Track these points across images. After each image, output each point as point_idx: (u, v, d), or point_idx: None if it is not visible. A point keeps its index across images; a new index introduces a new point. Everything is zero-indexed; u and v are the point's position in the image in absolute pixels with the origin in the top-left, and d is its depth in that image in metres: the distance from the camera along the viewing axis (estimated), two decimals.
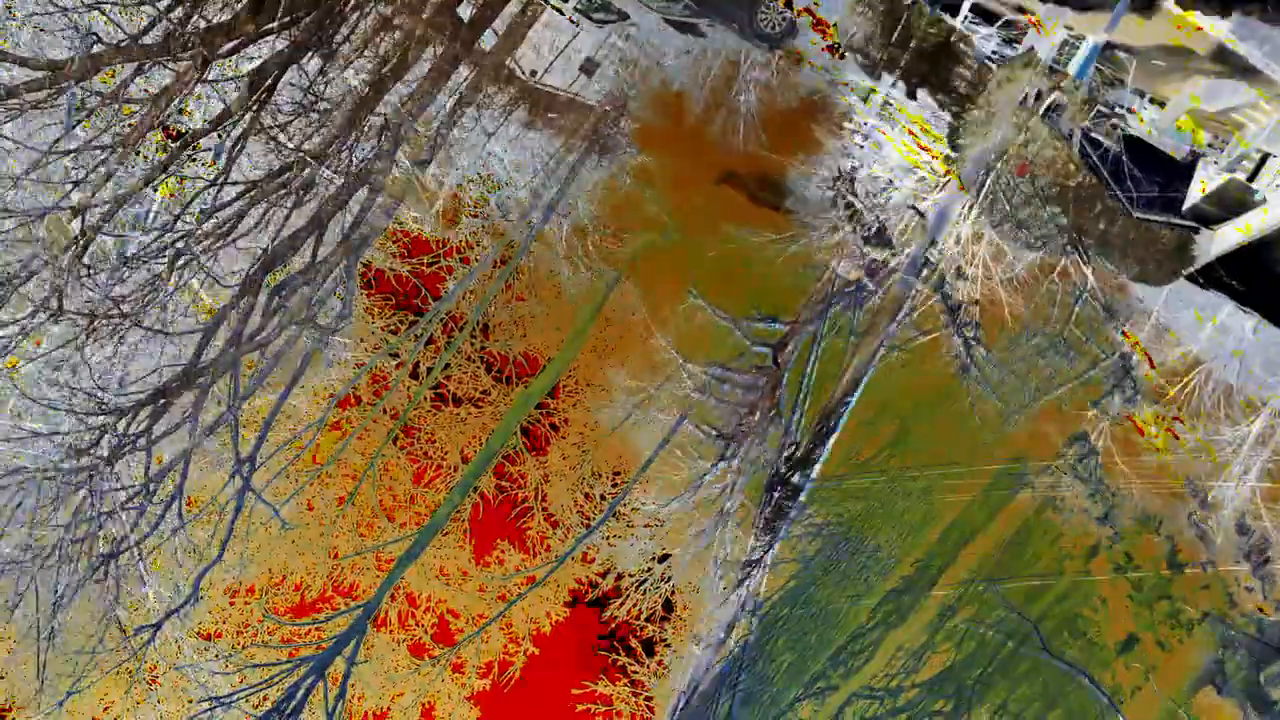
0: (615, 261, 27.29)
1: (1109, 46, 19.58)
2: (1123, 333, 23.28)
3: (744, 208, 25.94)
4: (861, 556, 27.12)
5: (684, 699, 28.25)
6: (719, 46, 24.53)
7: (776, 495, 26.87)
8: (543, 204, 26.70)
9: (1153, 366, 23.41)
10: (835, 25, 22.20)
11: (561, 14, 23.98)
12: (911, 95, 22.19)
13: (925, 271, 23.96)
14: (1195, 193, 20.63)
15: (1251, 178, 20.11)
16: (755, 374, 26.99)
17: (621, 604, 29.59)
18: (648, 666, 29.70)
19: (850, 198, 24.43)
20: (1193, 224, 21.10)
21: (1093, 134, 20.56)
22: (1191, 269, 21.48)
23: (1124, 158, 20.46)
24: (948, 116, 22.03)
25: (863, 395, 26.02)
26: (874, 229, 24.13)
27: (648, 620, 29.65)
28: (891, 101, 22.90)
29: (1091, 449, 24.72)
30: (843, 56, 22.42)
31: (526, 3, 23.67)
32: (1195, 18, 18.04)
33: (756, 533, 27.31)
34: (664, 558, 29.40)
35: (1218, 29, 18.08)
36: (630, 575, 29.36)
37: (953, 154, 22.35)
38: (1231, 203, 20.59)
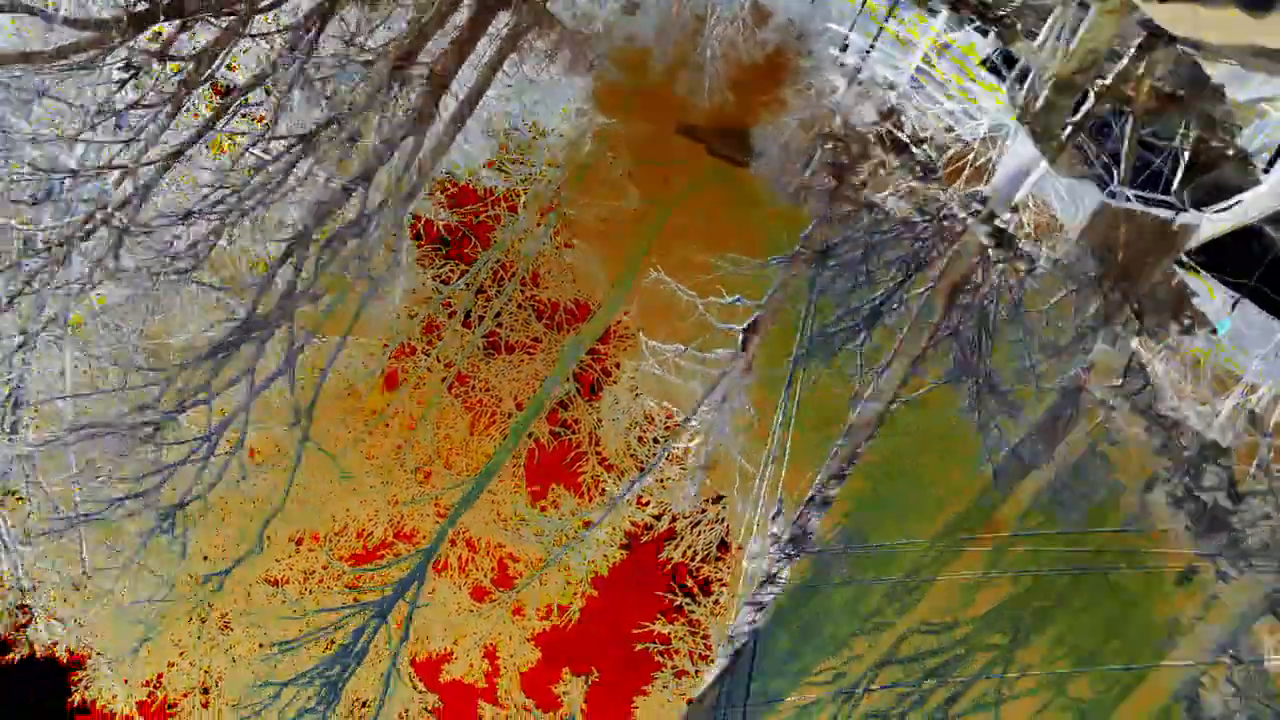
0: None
1: None
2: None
3: (711, 167, 25.88)
4: (917, 492, 27.12)
5: (746, 635, 28.55)
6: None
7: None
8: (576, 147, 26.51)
9: (1211, 293, 23.04)
10: None
11: None
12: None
13: (976, 206, 23.66)
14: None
15: (1268, 167, 19.86)
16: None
17: (677, 546, 29.87)
18: (704, 606, 30.00)
19: (899, 133, 24.06)
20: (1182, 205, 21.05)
21: None
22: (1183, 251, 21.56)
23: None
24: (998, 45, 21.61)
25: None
26: (926, 165, 23.80)
27: (703, 561, 29.91)
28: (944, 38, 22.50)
29: (1147, 379, 24.44)
30: None
31: None
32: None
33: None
34: (718, 498, 29.58)
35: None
36: (684, 517, 29.59)
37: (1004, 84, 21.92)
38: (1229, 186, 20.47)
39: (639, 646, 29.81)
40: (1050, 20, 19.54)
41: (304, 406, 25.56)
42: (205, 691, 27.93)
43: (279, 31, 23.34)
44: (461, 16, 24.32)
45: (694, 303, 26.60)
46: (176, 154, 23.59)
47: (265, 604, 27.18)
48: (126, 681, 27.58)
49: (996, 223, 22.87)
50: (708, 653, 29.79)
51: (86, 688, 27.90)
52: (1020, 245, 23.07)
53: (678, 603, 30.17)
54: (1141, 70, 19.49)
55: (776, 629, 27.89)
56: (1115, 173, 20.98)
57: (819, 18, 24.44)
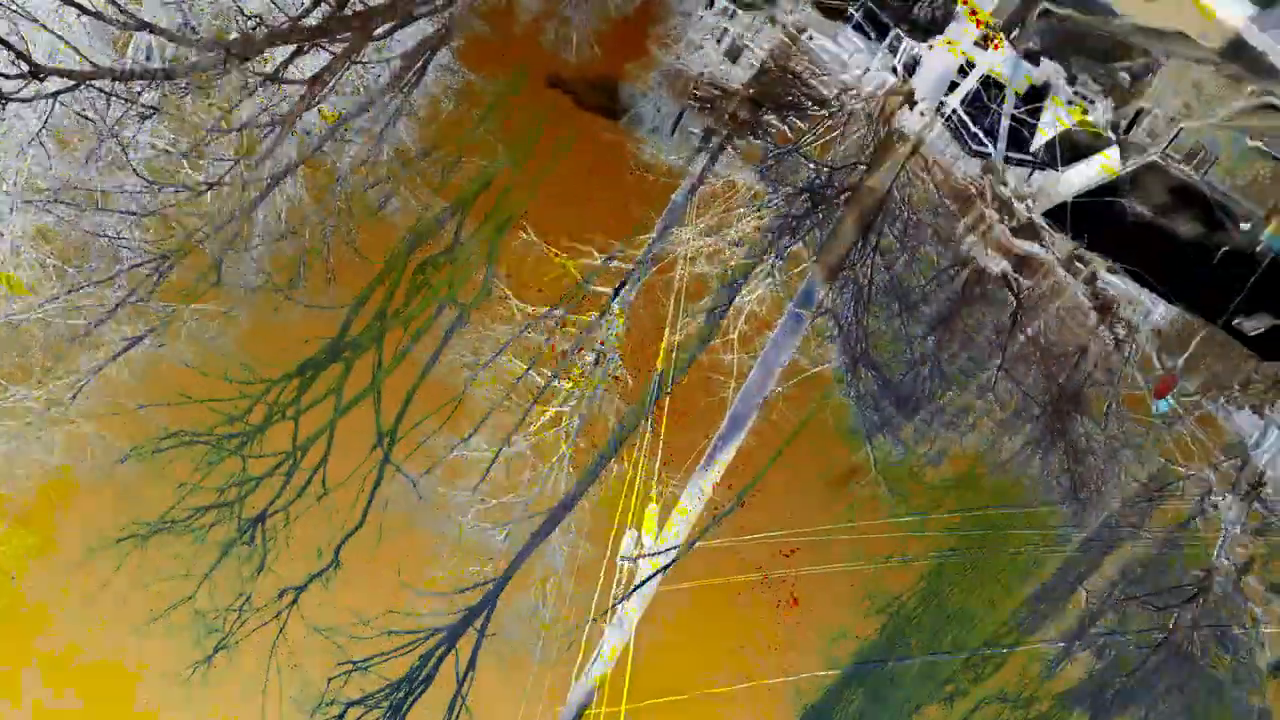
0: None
1: None
2: None
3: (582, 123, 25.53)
4: (1001, 559, 26.37)
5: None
6: None
7: None
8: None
9: None
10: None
11: None
12: None
13: (1078, 265, 23.16)
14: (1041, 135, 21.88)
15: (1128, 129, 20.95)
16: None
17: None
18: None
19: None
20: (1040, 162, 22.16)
21: None
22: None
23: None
24: None
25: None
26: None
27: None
28: None
29: (1257, 473, 23.58)
30: None
31: None
32: None
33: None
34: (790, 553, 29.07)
35: None
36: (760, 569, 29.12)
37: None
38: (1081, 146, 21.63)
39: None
40: None
41: (386, 429, 25.78)
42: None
43: (388, 60, 23.85)
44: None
45: (563, 264, 26.64)
46: (284, 174, 24.20)
47: (338, 623, 27.33)
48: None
49: (1099, 284, 22.26)
50: None
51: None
52: (1123, 312, 22.47)
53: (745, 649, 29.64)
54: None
55: (848, 689, 27.26)
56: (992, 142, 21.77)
57: None
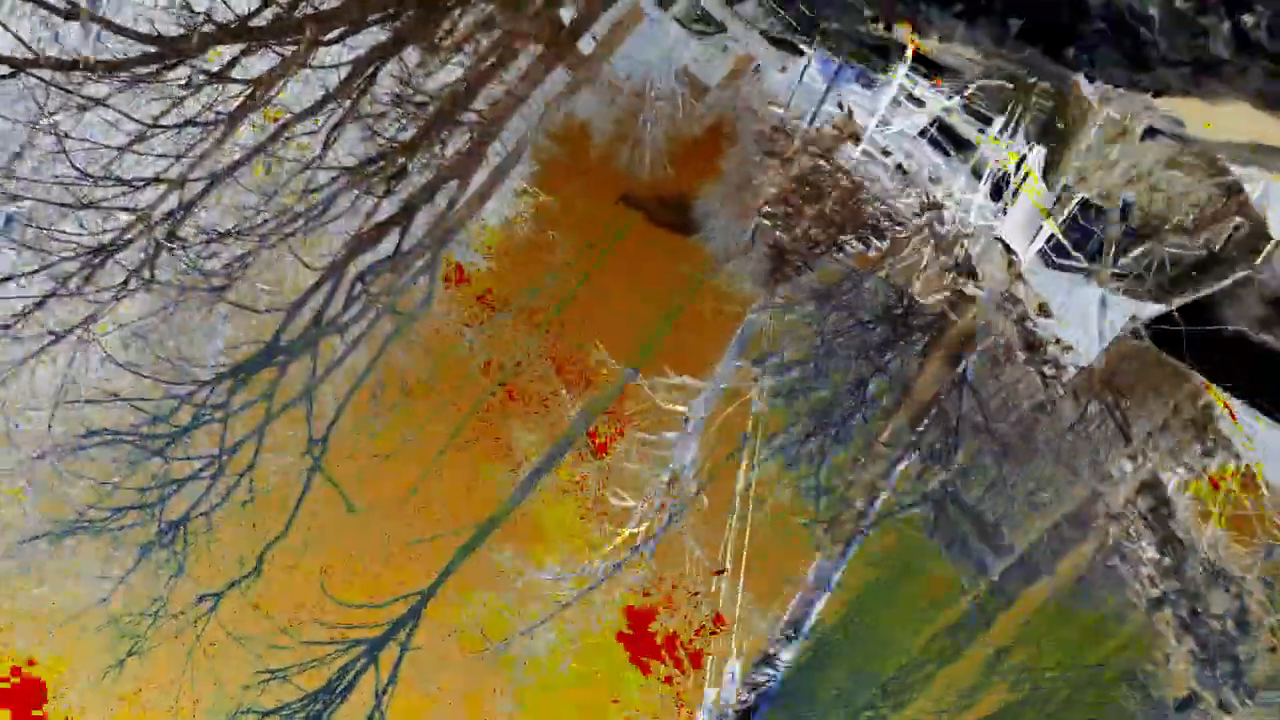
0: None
1: None
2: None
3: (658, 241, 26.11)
4: (920, 588, 26.78)
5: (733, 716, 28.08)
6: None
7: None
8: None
9: (1234, 419, 22.91)
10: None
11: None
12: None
13: (1007, 305, 23.69)
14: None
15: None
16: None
17: (674, 614, 29.49)
18: (692, 679, 29.56)
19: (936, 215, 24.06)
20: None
21: None
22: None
23: None
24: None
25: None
26: (960, 255, 23.81)
27: (696, 634, 29.52)
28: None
29: (1163, 498, 24.22)
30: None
31: (628, 9, 23.86)
32: None
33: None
34: (720, 571, 29.24)
35: None
36: (684, 588, 29.26)
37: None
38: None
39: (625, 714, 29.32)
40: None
41: (318, 436, 25.56)
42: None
43: (338, 66, 23.75)
44: (520, 67, 24.71)
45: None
46: (225, 173, 23.96)
47: (256, 631, 26.95)
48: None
49: (1029, 324, 22.87)
50: None
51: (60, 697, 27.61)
52: (1050, 351, 23.04)
53: (667, 674, 29.72)
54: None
55: (769, 712, 27.43)
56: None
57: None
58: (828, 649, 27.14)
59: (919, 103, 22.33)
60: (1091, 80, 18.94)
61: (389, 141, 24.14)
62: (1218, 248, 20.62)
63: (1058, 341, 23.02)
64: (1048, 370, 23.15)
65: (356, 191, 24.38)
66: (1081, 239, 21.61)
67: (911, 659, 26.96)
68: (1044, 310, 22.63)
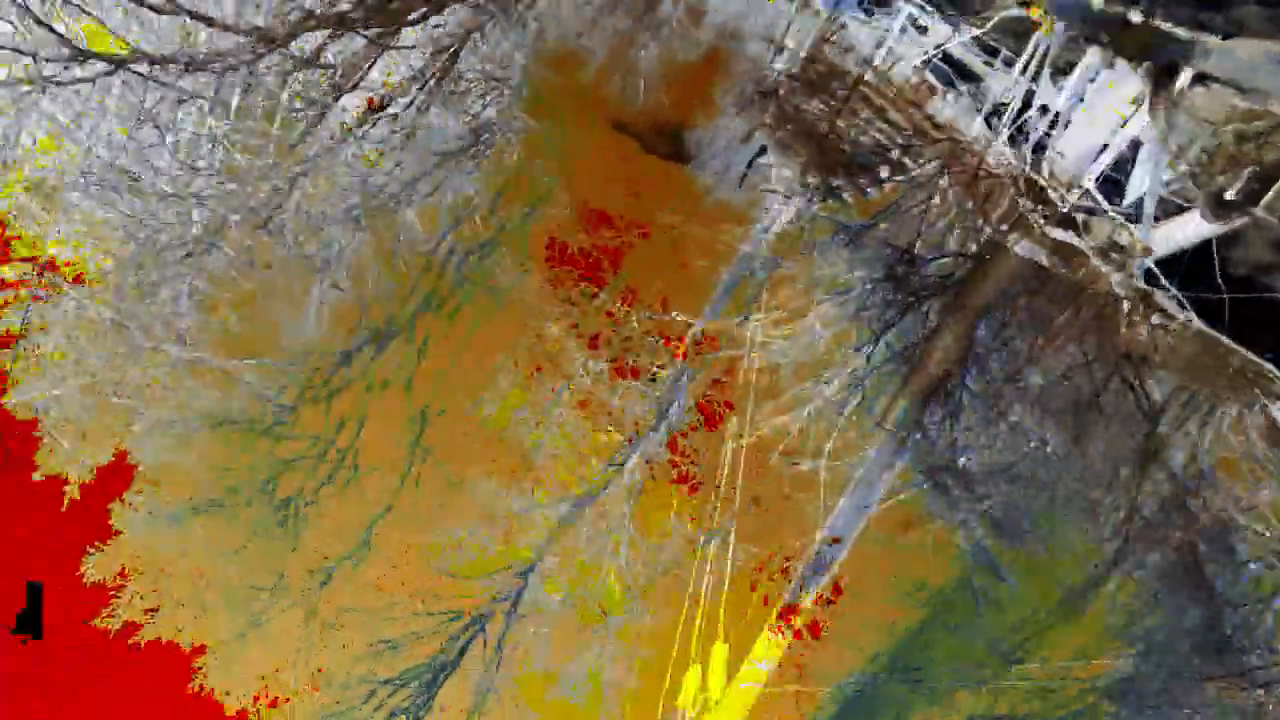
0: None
1: None
2: None
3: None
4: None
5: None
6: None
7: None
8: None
9: None
10: None
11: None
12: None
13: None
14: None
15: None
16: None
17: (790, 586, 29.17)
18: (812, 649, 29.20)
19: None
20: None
21: None
22: None
23: None
24: None
25: None
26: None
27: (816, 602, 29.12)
28: None
29: None
30: None
31: None
32: None
33: None
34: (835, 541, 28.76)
35: None
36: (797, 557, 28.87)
37: None
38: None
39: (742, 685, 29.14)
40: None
41: (421, 412, 26.02)
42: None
43: (422, 46, 23.94)
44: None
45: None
46: (320, 157, 24.46)
47: (371, 604, 27.71)
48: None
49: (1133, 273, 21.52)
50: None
51: (206, 676, 28.90)
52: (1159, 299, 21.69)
53: (786, 643, 29.43)
54: None
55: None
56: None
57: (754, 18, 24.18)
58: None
59: (922, 30, 21.59)
60: (1147, 17, 17.74)
61: (475, 118, 24.25)
62: None
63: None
64: (1155, 319, 21.83)
65: (447, 171, 24.59)
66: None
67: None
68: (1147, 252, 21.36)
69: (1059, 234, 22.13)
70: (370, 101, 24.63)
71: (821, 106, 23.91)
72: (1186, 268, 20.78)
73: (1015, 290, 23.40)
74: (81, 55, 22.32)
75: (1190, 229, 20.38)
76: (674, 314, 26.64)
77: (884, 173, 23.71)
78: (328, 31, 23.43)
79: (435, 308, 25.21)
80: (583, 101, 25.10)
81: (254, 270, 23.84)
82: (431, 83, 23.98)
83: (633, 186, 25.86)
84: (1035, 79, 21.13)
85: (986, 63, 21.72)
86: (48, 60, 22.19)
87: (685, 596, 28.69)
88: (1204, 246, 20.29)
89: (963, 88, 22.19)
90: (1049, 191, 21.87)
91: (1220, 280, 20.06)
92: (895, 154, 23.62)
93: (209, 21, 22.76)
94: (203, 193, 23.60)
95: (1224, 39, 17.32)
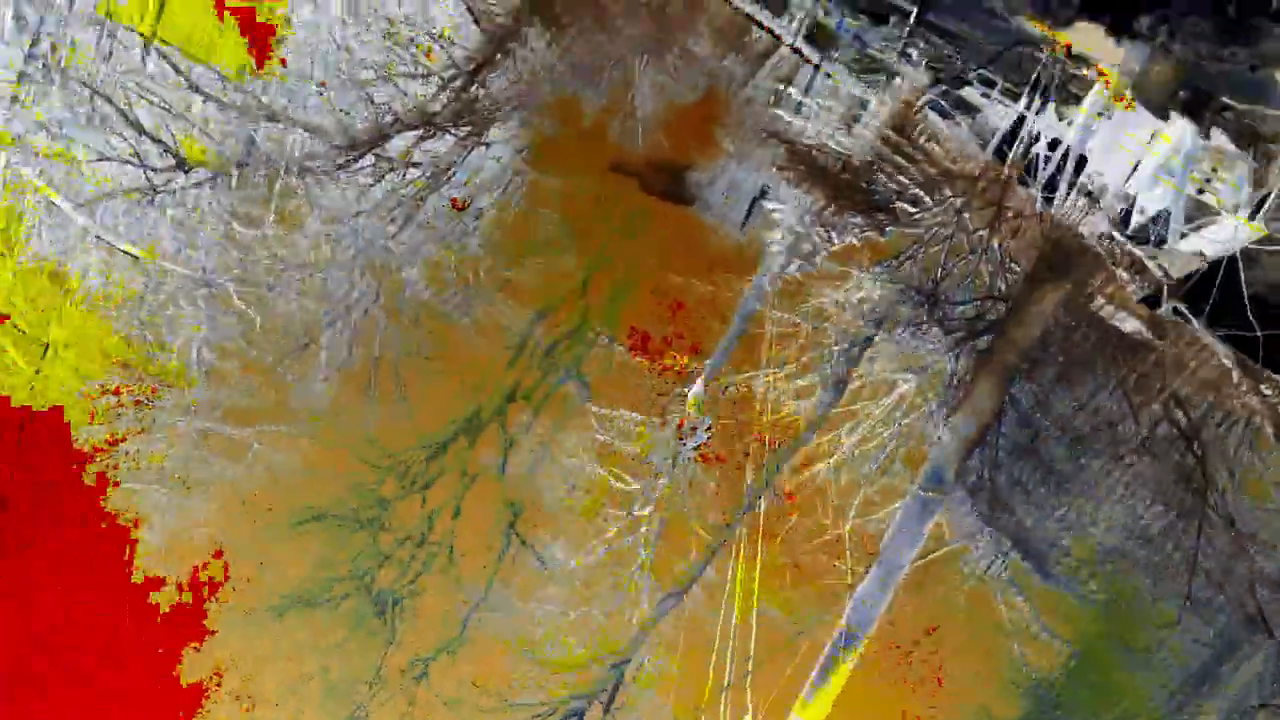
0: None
1: None
2: None
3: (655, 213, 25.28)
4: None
5: None
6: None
7: None
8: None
9: None
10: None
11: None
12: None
13: None
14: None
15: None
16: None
17: None
18: None
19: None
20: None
21: None
22: None
23: None
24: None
25: None
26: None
27: None
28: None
29: None
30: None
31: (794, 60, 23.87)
32: None
33: None
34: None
35: None
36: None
37: None
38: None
39: None
40: None
41: (514, 502, 26.11)
42: None
43: (508, 141, 24.68)
44: None
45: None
46: (410, 254, 25.11)
47: (469, 696, 27.51)
48: None
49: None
50: None
51: None
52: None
53: None
54: None
55: None
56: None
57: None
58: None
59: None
60: (1167, 53, 17.78)
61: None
62: None
63: None
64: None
65: (541, 263, 25.10)
66: None
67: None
68: None
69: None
70: (455, 202, 25.38)
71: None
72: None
73: (1051, 334, 23.21)
74: (186, 166, 23.40)
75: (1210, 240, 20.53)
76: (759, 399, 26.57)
77: (904, 210, 23.78)
78: (418, 133, 24.30)
79: (525, 397, 25.47)
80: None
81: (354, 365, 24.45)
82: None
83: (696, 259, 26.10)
84: (1040, 111, 21.29)
85: (984, 94, 21.83)
86: (157, 170, 23.27)
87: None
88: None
89: (961, 120, 22.33)
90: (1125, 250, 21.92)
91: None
92: (914, 191, 23.69)
93: (312, 129, 23.73)
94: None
95: (1251, 70, 17.46)
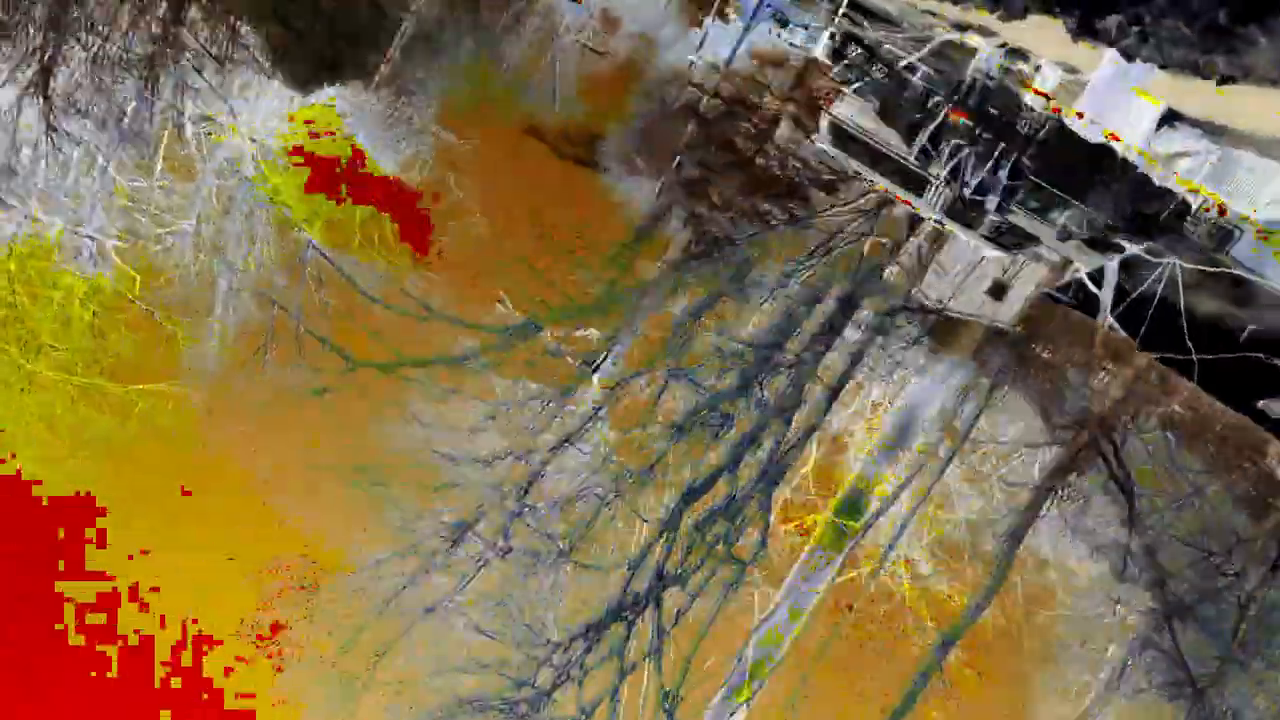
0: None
1: None
2: None
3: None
4: None
5: None
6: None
7: None
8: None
9: None
10: None
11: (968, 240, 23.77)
12: None
13: None
14: None
15: None
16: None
17: None
18: None
19: None
20: None
21: None
22: None
23: None
24: None
25: None
26: None
27: None
28: None
29: None
30: None
31: (933, 235, 23.80)
32: None
33: None
34: None
35: None
36: None
37: None
38: None
39: None
40: None
41: (672, 689, 25.63)
42: None
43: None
44: (829, 307, 25.04)
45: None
46: (565, 441, 25.54)
47: None
48: None
49: None
50: None
51: None
52: None
53: None
54: None
55: None
56: None
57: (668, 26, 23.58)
58: None
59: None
60: (1131, 58, 16.70)
61: (709, 391, 24.97)
62: None
63: None
64: None
65: (685, 445, 25.17)
66: None
67: None
68: None
69: None
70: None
71: (747, 126, 23.36)
72: None
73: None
74: (353, 364, 24.54)
75: None
76: None
77: (818, 196, 22.98)
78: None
79: (678, 581, 25.24)
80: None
81: (508, 554, 24.78)
82: (669, 362, 25.07)
83: None
84: None
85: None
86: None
87: None
88: None
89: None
90: None
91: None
92: (828, 177, 22.94)
93: (465, 323, 24.69)
94: (458, 481, 25.04)
95: (1220, 85, 16.35)
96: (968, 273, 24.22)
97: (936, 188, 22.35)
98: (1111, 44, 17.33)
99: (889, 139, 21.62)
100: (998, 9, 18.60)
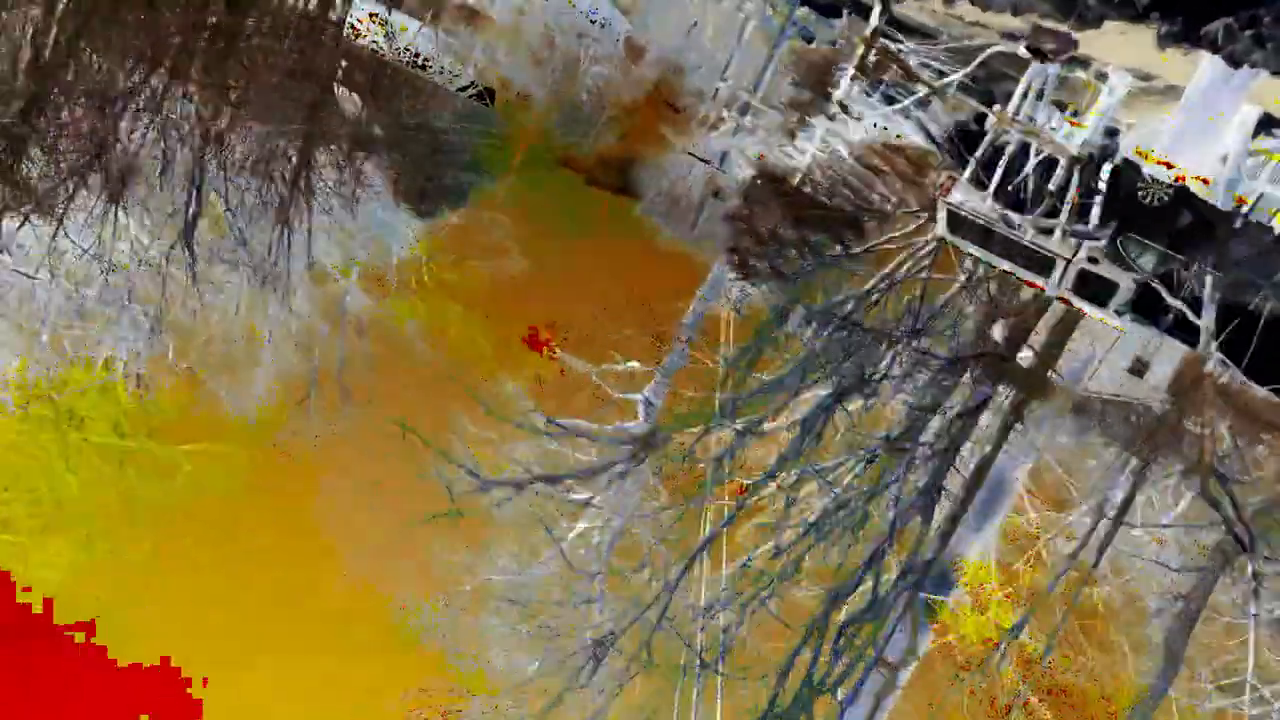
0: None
1: None
2: None
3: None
4: None
5: None
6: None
7: None
8: None
9: None
10: None
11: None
12: None
13: None
14: None
15: None
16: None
17: None
18: None
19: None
20: None
21: None
22: None
23: None
24: None
25: None
26: None
27: None
28: None
29: None
30: None
31: (1065, 313, 23.21)
32: None
33: None
34: None
35: None
36: None
37: None
38: None
39: None
40: None
41: None
42: None
43: (787, 428, 24.96)
44: (961, 394, 24.57)
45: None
46: (698, 550, 25.33)
47: None
48: None
49: None
50: None
51: None
52: None
53: None
54: None
55: None
56: None
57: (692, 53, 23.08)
58: None
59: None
60: (1239, 63, 15.71)
61: (844, 489, 24.65)
62: None
63: None
64: None
65: (824, 544, 24.77)
66: None
67: None
68: None
69: None
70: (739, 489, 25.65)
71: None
72: None
73: None
74: (488, 484, 24.93)
75: None
76: None
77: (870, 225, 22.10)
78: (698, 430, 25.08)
79: (831, 688, 24.59)
80: None
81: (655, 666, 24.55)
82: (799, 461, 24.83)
83: None
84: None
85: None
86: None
87: None
88: None
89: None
90: None
91: None
92: (880, 203, 22.05)
93: (587, 437, 24.96)
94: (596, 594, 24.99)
95: None
96: (1105, 351, 23.56)
97: (1063, 267, 21.97)
98: (1215, 49, 16.89)
99: (1008, 222, 21.46)
100: (1069, 19, 18.47)
